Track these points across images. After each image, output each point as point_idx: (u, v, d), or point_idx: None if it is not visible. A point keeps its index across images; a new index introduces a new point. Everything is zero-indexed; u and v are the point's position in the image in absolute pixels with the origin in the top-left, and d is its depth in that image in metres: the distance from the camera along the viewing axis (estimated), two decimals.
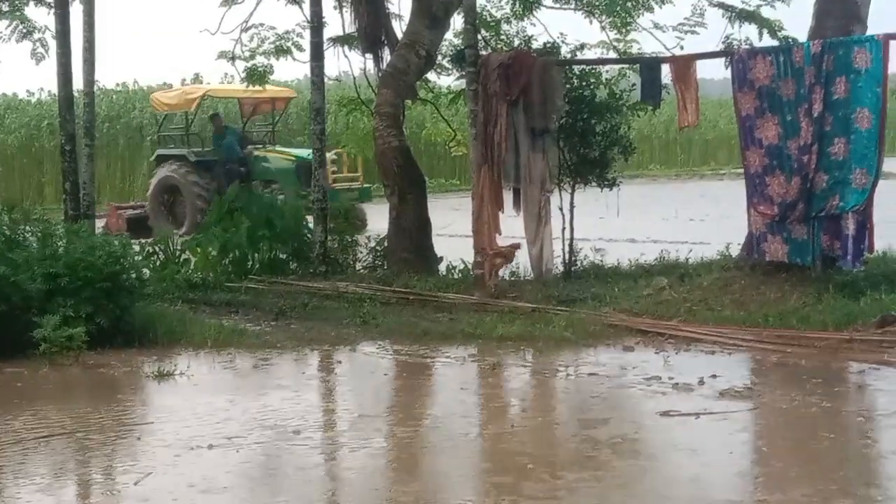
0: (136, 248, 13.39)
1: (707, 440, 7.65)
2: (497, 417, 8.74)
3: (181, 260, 15.24)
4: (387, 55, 15.98)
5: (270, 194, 19.50)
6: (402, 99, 15.77)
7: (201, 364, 10.57)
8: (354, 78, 19.85)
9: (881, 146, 11.51)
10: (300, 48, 17.50)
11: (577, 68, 14.33)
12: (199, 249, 15.26)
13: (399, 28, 16.35)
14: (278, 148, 25.56)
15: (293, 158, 24.05)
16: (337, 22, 17.38)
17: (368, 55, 16.54)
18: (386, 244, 15.36)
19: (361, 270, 15.23)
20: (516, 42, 16.01)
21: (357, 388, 10.00)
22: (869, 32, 12.29)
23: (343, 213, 16.46)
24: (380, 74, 16.18)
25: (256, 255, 15.23)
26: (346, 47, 17.69)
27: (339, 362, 10.79)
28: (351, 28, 16.82)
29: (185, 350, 11.03)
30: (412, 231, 15.13)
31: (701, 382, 9.10)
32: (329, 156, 21.39)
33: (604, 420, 8.35)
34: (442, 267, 15.08)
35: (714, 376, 9.27)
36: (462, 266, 14.54)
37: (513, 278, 14.04)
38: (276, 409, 8.70)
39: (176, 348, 11.08)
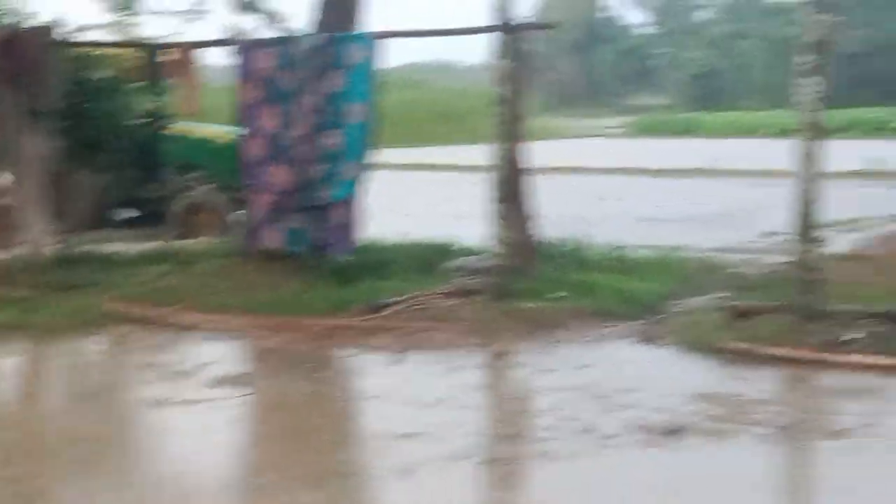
0: None
1: (203, 427, 7.76)
2: None
3: None
4: None
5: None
6: None
7: None
8: None
9: (370, 139, 12.14)
10: None
11: (79, 50, 14.00)
12: None
13: None
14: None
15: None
16: None
17: None
18: None
19: None
20: (13, 19, 15.35)
21: None
22: (365, 29, 12.91)
23: None
24: None
25: None
26: None
27: None
28: None
29: None
30: None
31: (198, 369, 9.22)
32: None
33: (94, 411, 8.25)
34: None
35: (212, 363, 9.42)
36: None
37: None
38: None
39: None
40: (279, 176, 12.25)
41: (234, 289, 12.03)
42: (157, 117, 15.54)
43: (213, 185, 16.08)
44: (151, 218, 16.31)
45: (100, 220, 16.28)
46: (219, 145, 16.82)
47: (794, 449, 7.17)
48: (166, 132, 15.75)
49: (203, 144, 17.37)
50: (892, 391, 8.26)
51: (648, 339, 10.14)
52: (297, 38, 12.62)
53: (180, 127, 17.35)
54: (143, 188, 17.50)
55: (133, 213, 17.20)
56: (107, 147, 14.17)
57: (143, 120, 18.09)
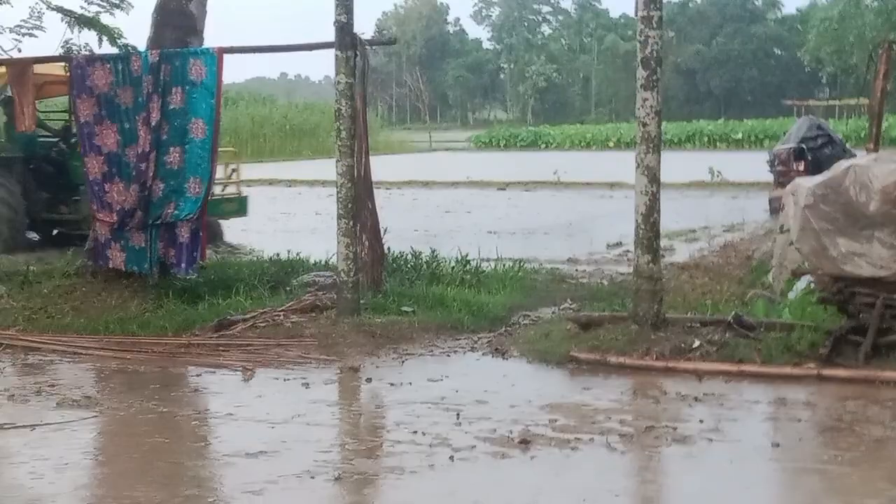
0: None
1: (45, 451, 7.55)
2: None
3: None
4: None
5: None
6: None
7: None
8: None
9: (214, 155, 12.01)
10: None
11: None
12: None
13: None
14: None
15: None
16: None
17: None
18: None
19: None
20: None
21: None
22: (205, 45, 12.76)
23: None
24: None
25: None
26: None
27: None
28: None
29: None
30: None
31: (39, 392, 8.98)
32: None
33: None
34: None
35: (55, 385, 9.19)
36: None
37: None
38: None
39: None
40: (121, 194, 12.03)
41: (76, 309, 11.81)
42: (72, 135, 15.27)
43: None
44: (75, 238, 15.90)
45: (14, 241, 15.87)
46: None
47: (642, 456, 7.28)
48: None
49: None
50: (733, 396, 8.47)
51: (498, 350, 10.22)
52: (135, 54, 12.39)
53: None
54: (56, 209, 16.99)
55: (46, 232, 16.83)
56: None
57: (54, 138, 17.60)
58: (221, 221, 17.67)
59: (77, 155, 15.40)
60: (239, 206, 18.09)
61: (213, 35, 13.24)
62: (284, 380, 9.36)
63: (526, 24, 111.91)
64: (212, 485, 6.97)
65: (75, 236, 16.18)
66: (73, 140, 17.01)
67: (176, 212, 11.84)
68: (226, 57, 11.89)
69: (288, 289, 12.19)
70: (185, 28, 12.89)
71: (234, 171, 18.55)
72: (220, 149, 19.00)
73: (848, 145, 22.82)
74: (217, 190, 17.43)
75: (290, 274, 12.84)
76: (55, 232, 17.61)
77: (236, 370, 9.73)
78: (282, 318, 11.01)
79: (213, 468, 7.35)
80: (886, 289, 9.07)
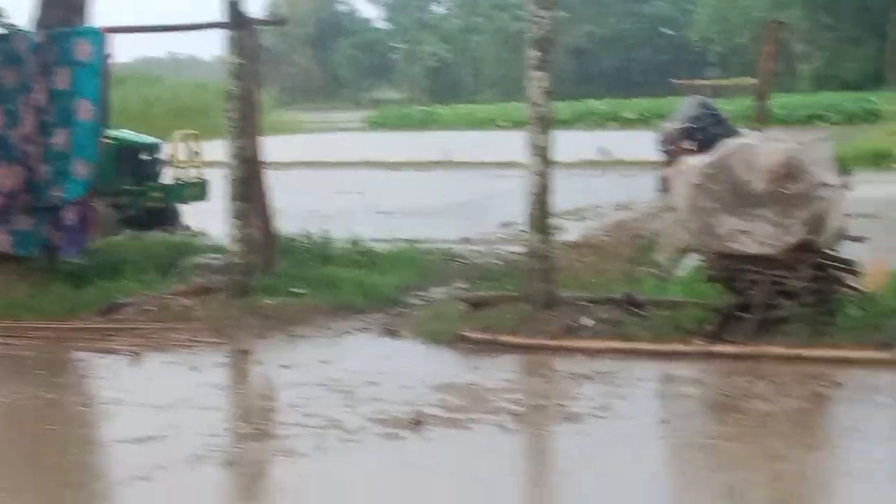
0: None
1: None
2: None
3: None
4: None
5: None
6: None
7: None
8: None
9: (101, 137, 11.80)
10: None
11: None
12: None
13: None
14: None
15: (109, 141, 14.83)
16: None
17: None
18: None
19: None
20: None
21: None
22: (92, 25, 12.51)
23: None
24: None
25: None
26: None
27: None
28: None
29: None
30: None
31: None
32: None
33: None
34: None
35: None
36: None
37: None
38: None
39: None
40: (6, 177, 11.73)
41: None
42: None
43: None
44: None
45: None
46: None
47: (533, 435, 7.33)
48: None
49: None
50: (623, 374, 8.55)
51: (390, 331, 10.21)
52: (20, 33, 12.09)
53: None
54: None
55: None
56: None
57: None
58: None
59: None
60: (200, 191, 17.34)
61: (101, 14, 13.00)
62: (173, 363, 9.25)
63: (418, 4, 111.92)
64: (100, 472, 6.87)
65: None
66: None
67: (63, 194, 11.62)
68: (114, 37, 11.68)
69: (178, 272, 12.02)
70: (71, 7, 12.61)
71: (195, 153, 17.90)
72: (182, 131, 18.68)
73: (735, 124, 23.17)
74: (179, 174, 17.34)
75: (181, 256, 12.66)
76: None
77: (125, 354, 9.58)
78: (171, 301, 10.86)
79: (100, 455, 7.25)
80: (771, 266, 9.23)
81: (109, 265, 12.05)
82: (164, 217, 16.85)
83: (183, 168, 17.43)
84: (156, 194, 16.75)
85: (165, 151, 17.55)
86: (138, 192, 16.52)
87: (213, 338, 9.97)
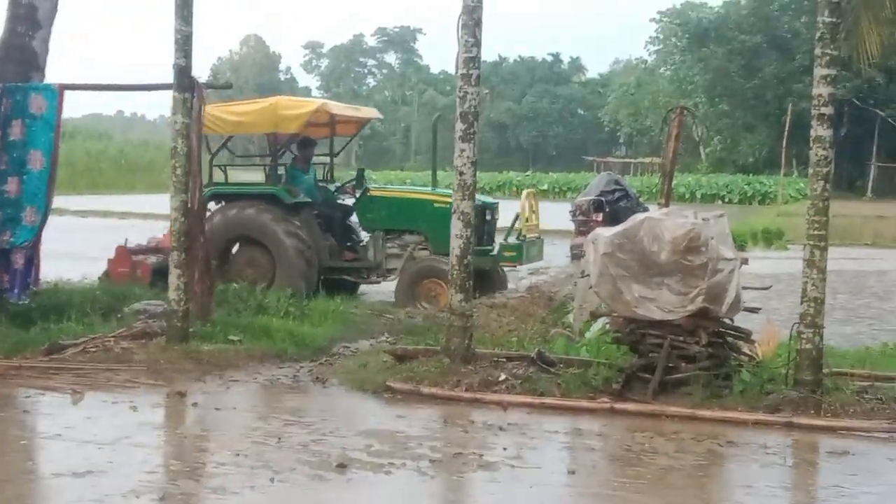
0: None
1: None
2: None
3: None
4: None
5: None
6: None
7: None
8: None
9: (51, 186, 11.70)
10: None
11: None
12: None
13: None
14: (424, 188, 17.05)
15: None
16: None
17: None
18: None
19: None
20: None
21: None
22: (47, 81, 12.45)
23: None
24: None
25: None
26: None
27: None
28: None
29: None
30: None
31: None
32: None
33: None
34: None
35: None
36: None
37: None
38: None
39: None
40: None
41: None
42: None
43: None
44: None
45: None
46: (438, 208, 14.64)
47: (450, 480, 7.32)
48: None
49: (418, 207, 15.40)
50: (534, 426, 8.59)
51: (319, 379, 10.16)
52: None
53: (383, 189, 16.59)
54: (341, 255, 15.56)
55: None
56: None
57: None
58: None
59: (362, 200, 15.29)
60: (539, 251, 16.49)
61: (54, 71, 12.95)
62: (113, 402, 9.10)
63: (353, 75, 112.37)
64: None
65: (349, 283, 15.61)
66: (345, 183, 16.53)
67: (12, 239, 11.51)
68: (65, 92, 11.62)
69: (119, 316, 11.89)
70: (27, 63, 12.54)
71: (533, 212, 16.50)
72: (529, 190, 17.53)
73: (642, 200, 23.51)
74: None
75: (122, 301, 12.52)
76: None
77: (66, 393, 9.43)
78: (112, 343, 10.74)
79: (39, 488, 7.10)
80: (673, 331, 9.35)
81: (53, 308, 11.89)
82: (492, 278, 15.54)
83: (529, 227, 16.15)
84: (509, 254, 15.54)
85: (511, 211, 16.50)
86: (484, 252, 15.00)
87: (151, 380, 9.86)
